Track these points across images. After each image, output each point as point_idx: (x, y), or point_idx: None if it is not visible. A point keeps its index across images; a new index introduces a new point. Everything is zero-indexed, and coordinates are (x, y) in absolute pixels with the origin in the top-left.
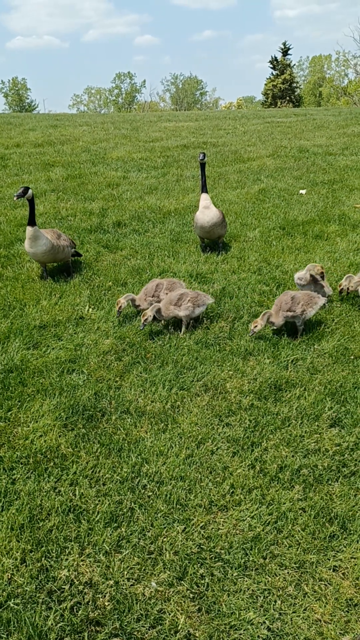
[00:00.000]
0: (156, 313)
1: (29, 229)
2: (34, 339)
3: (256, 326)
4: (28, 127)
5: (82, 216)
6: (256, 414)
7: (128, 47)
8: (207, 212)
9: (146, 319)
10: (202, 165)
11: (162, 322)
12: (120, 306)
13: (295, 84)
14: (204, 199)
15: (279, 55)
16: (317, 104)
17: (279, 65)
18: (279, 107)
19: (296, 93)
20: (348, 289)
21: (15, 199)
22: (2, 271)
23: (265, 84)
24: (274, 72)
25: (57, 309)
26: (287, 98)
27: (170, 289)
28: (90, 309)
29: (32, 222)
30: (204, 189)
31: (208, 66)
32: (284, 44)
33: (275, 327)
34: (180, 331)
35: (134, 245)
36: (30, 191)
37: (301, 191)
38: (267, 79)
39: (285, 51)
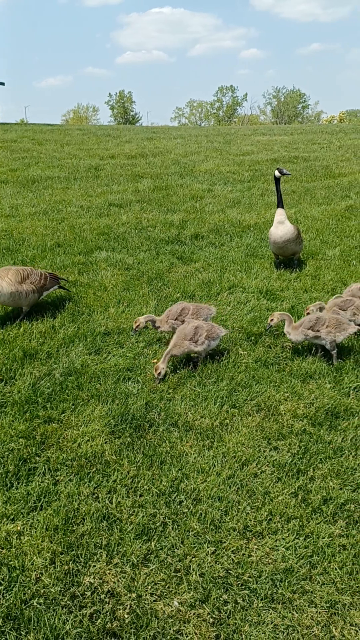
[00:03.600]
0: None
1: None
2: (97, 344)
3: (272, 320)
4: (125, 139)
5: (162, 227)
6: (307, 440)
7: (233, 60)
8: (281, 227)
9: (159, 373)
10: (277, 181)
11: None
12: (138, 325)
13: None
14: (279, 214)
15: None
16: None
17: None
18: None
19: None
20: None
21: None
22: (79, 277)
23: None
24: None
25: (124, 317)
26: None
27: (197, 315)
28: None
29: None
30: (280, 204)
31: (313, 79)
32: None
33: (291, 341)
34: (195, 368)
35: (207, 258)
36: None
37: None
38: None
39: None
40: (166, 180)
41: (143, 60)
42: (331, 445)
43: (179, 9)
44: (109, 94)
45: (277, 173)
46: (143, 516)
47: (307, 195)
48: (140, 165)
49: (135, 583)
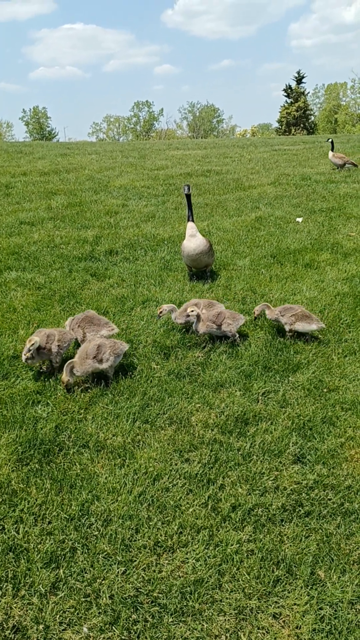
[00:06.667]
0: (72, 371)
1: None
2: (4, 369)
3: (162, 311)
4: (38, 155)
5: (76, 244)
6: (217, 449)
7: (148, 76)
8: (193, 240)
9: (66, 385)
10: (188, 197)
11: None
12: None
13: (309, 112)
14: (190, 228)
15: (293, 84)
16: (333, 130)
17: (293, 94)
18: (293, 134)
19: (310, 120)
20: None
21: None
22: None
23: (280, 112)
24: (288, 100)
25: None
26: (301, 125)
27: (60, 339)
28: None
29: None
30: (191, 218)
31: (226, 94)
32: (298, 72)
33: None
34: (108, 385)
35: (122, 273)
36: None
37: (298, 219)
38: (282, 106)
39: (299, 79)
40: (80, 197)
41: (58, 76)
42: (240, 452)
43: (91, 25)
44: (23, 109)
45: (185, 190)
46: (51, 543)
47: (219, 208)
48: (54, 182)
49: (43, 613)
